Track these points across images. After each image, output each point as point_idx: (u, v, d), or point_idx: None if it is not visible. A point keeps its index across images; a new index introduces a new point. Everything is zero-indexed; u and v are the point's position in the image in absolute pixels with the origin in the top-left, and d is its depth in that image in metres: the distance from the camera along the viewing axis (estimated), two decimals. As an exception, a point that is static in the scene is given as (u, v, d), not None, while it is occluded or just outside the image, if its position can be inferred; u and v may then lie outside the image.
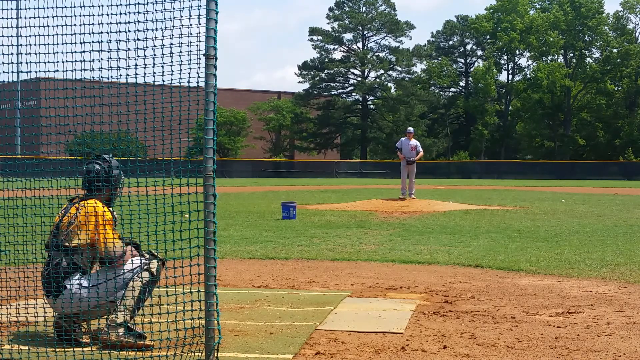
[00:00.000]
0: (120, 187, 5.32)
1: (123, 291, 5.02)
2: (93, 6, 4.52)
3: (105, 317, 5.08)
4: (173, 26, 4.47)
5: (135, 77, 4.57)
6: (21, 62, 4.86)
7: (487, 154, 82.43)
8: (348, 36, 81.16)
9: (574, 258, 9.70)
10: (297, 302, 6.71)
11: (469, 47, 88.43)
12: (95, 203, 5.08)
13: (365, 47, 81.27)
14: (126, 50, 4.53)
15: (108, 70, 4.64)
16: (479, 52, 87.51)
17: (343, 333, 5.53)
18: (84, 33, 4.59)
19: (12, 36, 4.78)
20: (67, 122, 4.96)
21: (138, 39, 4.50)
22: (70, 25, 4.59)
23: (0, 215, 5.26)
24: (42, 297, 5.44)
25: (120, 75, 4.62)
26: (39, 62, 4.71)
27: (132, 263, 5.09)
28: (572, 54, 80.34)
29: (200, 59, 4.40)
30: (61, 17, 4.60)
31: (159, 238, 4.71)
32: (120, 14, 4.48)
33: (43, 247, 5.16)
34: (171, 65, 4.45)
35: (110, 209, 5.20)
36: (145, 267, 5.11)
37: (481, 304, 6.70)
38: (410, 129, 21.88)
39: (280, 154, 77.63)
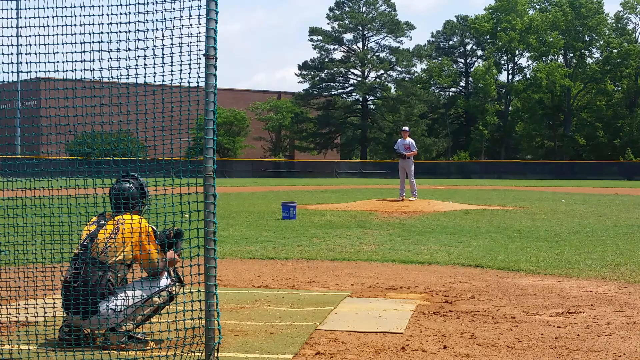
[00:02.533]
0: (149, 203, 5.33)
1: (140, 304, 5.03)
2: (93, 6, 4.53)
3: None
4: (173, 26, 4.47)
5: (136, 77, 4.57)
6: (21, 62, 4.86)
7: (487, 154, 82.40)
8: (348, 36, 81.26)
9: (574, 258, 9.70)
10: (297, 302, 6.71)
11: (469, 47, 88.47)
12: (140, 219, 5.05)
13: (365, 47, 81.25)
14: (126, 50, 4.54)
15: (108, 70, 4.64)
16: (479, 52, 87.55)
17: (343, 333, 5.53)
18: (84, 33, 4.59)
19: (12, 36, 4.78)
20: (67, 122, 4.96)
21: (138, 39, 4.50)
22: (70, 25, 4.59)
23: (0, 215, 5.25)
24: (42, 297, 5.44)
25: (120, 75, 4.63)
26: (39, 62, 4.71)
27: (162, 280, 5.10)
28: (572, 54, 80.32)
29: (200, 59, 4.40)
30: (61, 17, 4.60)
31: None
32: (120, 14, 4.48)
33: (69, 258, 5.07)
34: (171, 65, 4.46)
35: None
36: (168, 288, 5.11)
37: (481, 304, 6.70)
38: (405, 127, 21.88)
39: (280, 153, 77.61)
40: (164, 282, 5.11)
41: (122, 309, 4.91)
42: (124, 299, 4.94)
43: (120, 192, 5.15)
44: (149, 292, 5.04)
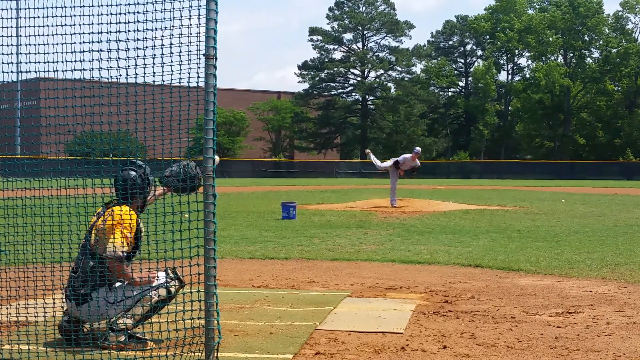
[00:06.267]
0: (153, 190, 5.29)
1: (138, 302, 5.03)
2: (93, 6, 4.52)
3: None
4: (173, 26, 4.47)
5: (135, 77, 4.57)
6: (21, 62, 4.86)
7: (487, 154, 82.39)
8: (348, 36, 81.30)
9: (574, 258, 9.70)
10: (297, 302, 6.71)
11: (468, 47, 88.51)
12: (130, 210, 5.02)
13: (365, 47, 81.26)
14: (126, 50, 4.54)
15: (108, 70, 4.64)
16: (479, 52, 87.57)
17: (343, 333, 5.53)
18: (84, 33, 4.59)
19: (12, 36, 4.78)
20: (67, 122, 4.96)
21: (138, 39, 4.50)
22: (70, 25, 4.59)
23: (0, 215, 5.25)
24: (42, 297, 5.44)
25: (120, 75, 4.62)
26: (39, 62, 4.71)
27: (158, 278, 5.10)
28: (571, 54, 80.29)
29: (200, 59, 4.40)
30: (61, 17, 4.60)
31: (158, 238, 4.70)
32: (120, 14, 4.48)
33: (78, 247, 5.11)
34: (171, 65, 4.45)
35: (139, 219, 5.15)
36: (166, 285, 5.11)
37: (481, 304, 6.70)
38: (417, 149, 21.02)
39: (280, 154, 77.62)
40: (160, 279, 5.11)
41: (117, 301, 4.91)
42: (119, 292, 4.95)
43: (121, 181, 5.14)
44: (146, 287, 5.03)
